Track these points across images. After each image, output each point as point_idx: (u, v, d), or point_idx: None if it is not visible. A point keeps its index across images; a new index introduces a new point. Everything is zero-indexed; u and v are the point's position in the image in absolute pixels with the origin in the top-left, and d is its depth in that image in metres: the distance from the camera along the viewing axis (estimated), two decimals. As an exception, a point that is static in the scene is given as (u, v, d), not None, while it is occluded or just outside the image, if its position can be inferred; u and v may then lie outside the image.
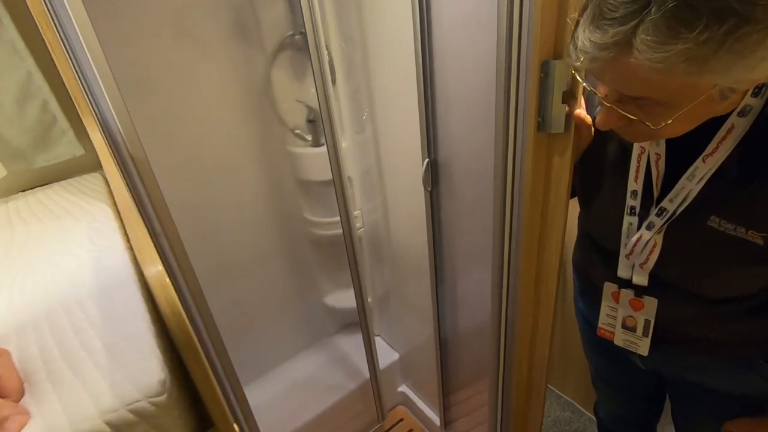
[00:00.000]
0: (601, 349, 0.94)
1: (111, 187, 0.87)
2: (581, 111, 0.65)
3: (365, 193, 1.39)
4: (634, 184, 0.65)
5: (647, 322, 0.72)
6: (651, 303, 0.70)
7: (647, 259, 0.66)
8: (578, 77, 0.58)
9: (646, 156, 0.63)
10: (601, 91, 0.55)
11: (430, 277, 1.20)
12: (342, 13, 1.14)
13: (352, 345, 1.69)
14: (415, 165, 1.03)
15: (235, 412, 0.88)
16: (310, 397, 1.52)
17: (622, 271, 0.71)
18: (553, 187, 0.72)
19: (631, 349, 0.77)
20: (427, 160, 0.96)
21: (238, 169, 1.31)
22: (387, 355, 1.63)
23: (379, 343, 1.69)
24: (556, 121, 0.65)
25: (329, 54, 1.20)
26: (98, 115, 0.70)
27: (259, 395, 1.54)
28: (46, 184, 0.97)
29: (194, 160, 1.23)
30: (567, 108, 0.64)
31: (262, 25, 1.19)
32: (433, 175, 0.99)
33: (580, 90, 0.64)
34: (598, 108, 0.58)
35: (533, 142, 0.69)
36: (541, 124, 0.67)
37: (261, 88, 1.26)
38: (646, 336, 0.73)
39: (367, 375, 1.55)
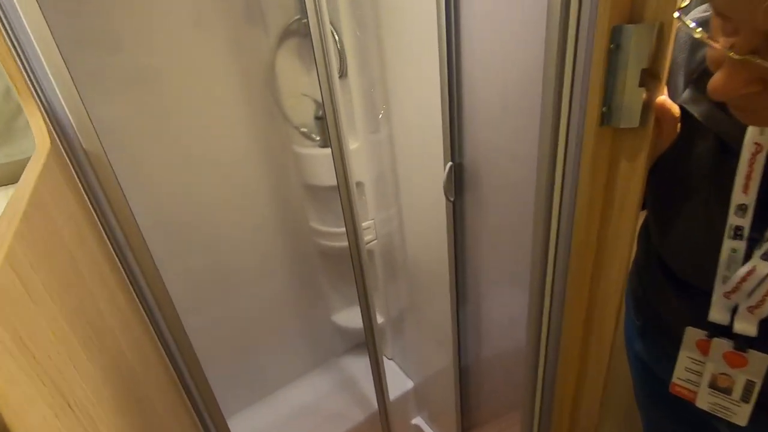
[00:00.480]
0: (667, 408, 0.75)
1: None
2: (665, 98, 0.47)
3: (379, 200, 1.23)
4: (743, 196, 0.47)
5: (750, 384, 0.53)
6: (759, 360, 0.51)
7: (763, 300, 0.47)
8: (687, 27, 0.40)
9: (763, 157, 0.45)
10: (724, 41, 0.38)
11: (450, 298, 1.03)
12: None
13: (361, 369, 1.53)
14: (436, 170, 0.86)
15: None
16: (313, 426, 1.36)
17: (717, 315, 0.52)
18: (617, 199, 0.54)
19: (719, 416, 0.58)
20: (450, 163, 0.79)
21: (238, 170, 1.17)
22: (400, 383, 1.46)
23: (392, 368, 1.52)
24: (629, 111, 0.48)
25: (339, 42, 1.05)
26: (39, 98, 0.57)
27: (257, 420, 1.39)
28: (10, 184, 0.85)
29: (188, 159, 1.10)
30: (646, 93, 0.47)
31: (265, 7, 1.06)
32: (457, 183, 0.82)
33: (666, 67, 0.46)
34: (686, 93, 0.40)
35: (594, 139, 0.51)
36: (607, 115, 0.49)
37: (263, 79, 1.12)
38: (747, 402, 0.54)
39: (376, 405, 1.38)
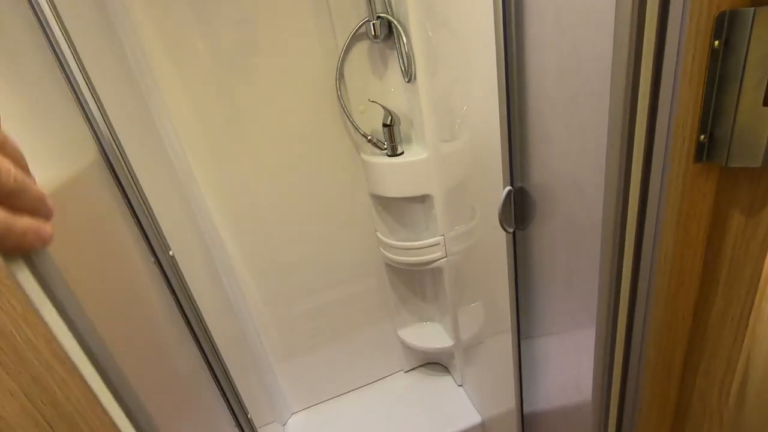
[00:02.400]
0: None
1: None
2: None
3: (450, 216, 1.12)
4: None
5: None
6: None
7: None
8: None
9: None
10: None
11: (512, 336, 0.87)
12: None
13: (423, 387, 1.43)
14: (497, 194, 0.72)
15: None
16: (370, 444, 1.31)
17: None
18: (724, 271, 0.37)
19: None
20: (508, 188, 0.65)
21: (303, 177, 1.16)
22: (468, 415, 1.32)
23: (461, 396, 1.39)
24: (747, 143, 0.31)
25: (407, 44, 0.96)
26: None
27: (313, 423, 1.39)
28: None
29: (252, 165, 1.12)
30: (775, 115, 0.29)
31: (332, 9, 1.01)
32: (520, 211, 0.67)
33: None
34: None
35: (684, 181, 0.35)
36: (709, 147, 0.33)
37: (330, 84, 1.08)
38: None
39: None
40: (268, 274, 1.24)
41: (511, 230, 0.68)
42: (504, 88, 0.61)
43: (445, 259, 1.20)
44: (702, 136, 0.32)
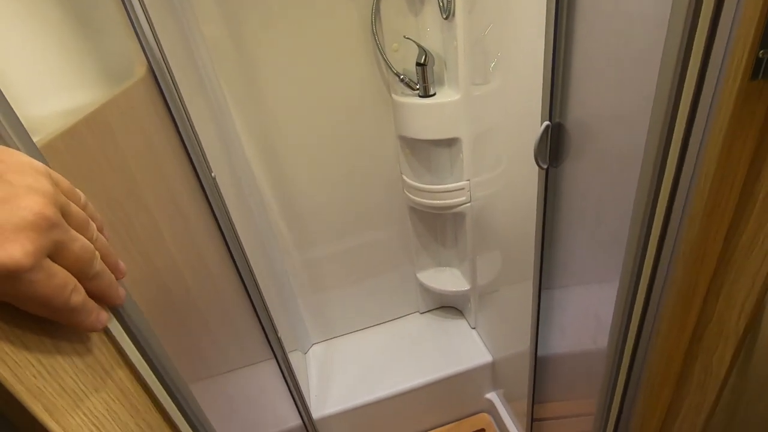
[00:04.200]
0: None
1: None
2: None
3: (476, 161, 1.13)
4: None
5: None
6: None
7: None
8: None
9: None
10: None
11: (534, 280, 0.91)
12: None
13: (439, 329, 1.50)
14: (533, 131, 0.73)
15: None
16: (380, 375, 1.39)
17: None
18: (762, 191, 0.38)
19: None
20: (546, 123, 0.66)
21: (332, 115, 1.17)
22: (479, 354, 1.39)
23: (473, 337, 1.46)
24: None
25: (449, -25, 0.93)
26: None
27: (330, 354, 1.48)
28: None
29: (282, 101, 1.13)
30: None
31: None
32: (555, 147, 0.68)
33: None
34: None
35: (737, 98, 0.36)
36: (767, 64, 0.33)
37: (365, 20, 1.06)
38: None
39: (448, 370, 1.35)
40: (295, 210, 1.28)
41: (545, 166, 0.69)
42: (552, 23, 0.60)
43: (469, 204, 1.22)
44: (761, 52, 0.33)
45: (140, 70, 0.63)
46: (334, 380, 1.39)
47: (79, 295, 0.27)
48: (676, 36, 0.38)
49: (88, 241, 0.28)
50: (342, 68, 1.12)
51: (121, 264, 0.33)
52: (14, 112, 0.30)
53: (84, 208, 0.30)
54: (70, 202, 0.28)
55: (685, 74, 0.38)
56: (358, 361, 1.45)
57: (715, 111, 0.37)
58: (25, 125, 0.31)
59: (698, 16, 0.36)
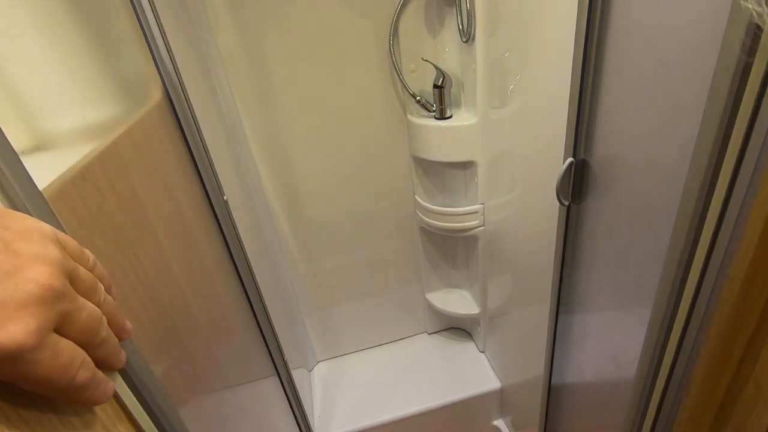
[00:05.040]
0: None
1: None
2: None
3: (491, 184, 1.10)
4: None
5: None
6: None
7: None
8: None
9: None
10: None
11: (550, 309, 0.88)
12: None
13: (446, 351, 1.47)
14: (554, 164, 0.70)
15: None
16: (385, 396, 1.37)
17: None
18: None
19: None
20: (570, 160, 0.64)
21: (346, 132, 1.16)
22: (487, 379, 1.36)
23: (482, 362, 1.43)
24: None
25: (470, 0, 0.92)
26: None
27: (335, 373, 1.46)
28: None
29: (297, 115, 1.12)
30: None
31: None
32: (578, 184, 0.66)
33: None
34: None
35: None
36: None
37: (382, 40, 1.05)
38: None
39: (455, 396, 1.32)
40: (305, 226, 1.27)
41: (567, 203, 0.67)
42: (582, 50, 0.58)
43: (482, 228, 1.19)
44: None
45: (156, 94, 0.62)
46: (338, 400, 1.37)
47: (86, 371, 0.25)
48: (723, 88, 0.36)
49: (95, 308, 0.27)
50: (358, 86, 1.10)
51: (128, 324, 0.31)
52: (21, 162, 0.29)
53: (92, 269, 0.28)
54: (78, 266, 0.27)
55: (732, 128, 0.36)
56: (363, 381, 1.42)
57: (760, 175, 0.34)
58: (32, 171, 0.29)
59: (749, 72, 0.34)
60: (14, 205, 0.28)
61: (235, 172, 1.03)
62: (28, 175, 0.30)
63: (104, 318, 0.28)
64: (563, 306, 0.86)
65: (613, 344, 0.71)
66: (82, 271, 0.27)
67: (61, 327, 0.24)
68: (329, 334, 1.48)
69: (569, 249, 0.76)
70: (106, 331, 0.28)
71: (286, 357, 1.01)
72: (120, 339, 0.31)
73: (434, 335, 1.55)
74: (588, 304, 0.77)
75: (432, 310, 1.47)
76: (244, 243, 0.87)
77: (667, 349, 0.52)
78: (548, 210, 0.77)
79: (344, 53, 1.06)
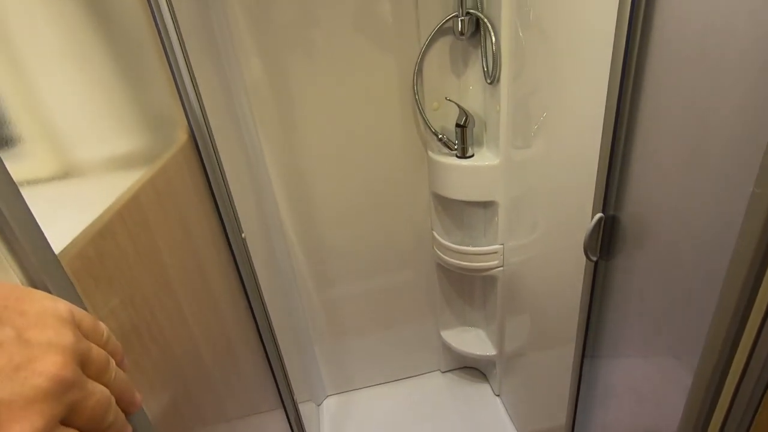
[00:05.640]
0: None
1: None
2: None
3: (512, 225, 1.08)
4: None
5: None
6: None
7: None
8: None
9: None
10: None
11: (575, 350, 0.83)
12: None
13: (460, 393, 1.42)
14: (581, 217, 0.68)
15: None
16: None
17: None
18: None
19: None
20: (600, 215, 0.61)
21: (366, 164, 1.15)
22: (501, 427, 1.30)
23: (497, 406, 1.37)
24: None
25: (497, 44, 0.92)
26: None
27: (346, 407, 1.41)
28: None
29: (319, 147, 1.12)
30: None
31: (420, 1, 0.98)
32: (607, 240, 0.63)
33: None
34: None
35: None
36: None
37: (406, 77, 1.06)
38: None
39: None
40: (321, 257, 1.25)
41: (595, 259, 0.64)
42: (615, 99, 0.56)
43: (501, 268, 1.16)
44: None
45: (181, 135, 0.62)
46: (346, 439, 1.32)
47: None
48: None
49: (104, 391, 0.25)
50: (380, 121, 1.10)
51: (137, 398, 0.30)
52: (40, 228, 0.28)
53: (105, 344, 0.27)
54: (92, 346, 0.25)
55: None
56: (373, 420, 1.37)
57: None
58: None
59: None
60: (30, 277, 0.27)
61: (255, 204, 1.02)
62: (46, 241, 0.29)
63: (113, 399, 0.26)
64: (589, 350, 0.81)
65: (647, 399, 0.67)
66: (95, 352, 0.26)
67: (69, 417, 0.23)
68: (340, 367, 1.45)
69: (596, 299, 0.73)
70: (114, 414, 0.26)
71: (294, 390, 0.98)
72: (128, 414, 0.29)
73: (448, 374, 1.50)
74: (618, 349, 0.73)
75: (446, 347, 1.43)
76: (258, 276, 0.85)
77: (715, 415, 0.48)
78: (573, 258, 0.74)
79: (368, 88, 1.06)
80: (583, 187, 0.66)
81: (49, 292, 0.27)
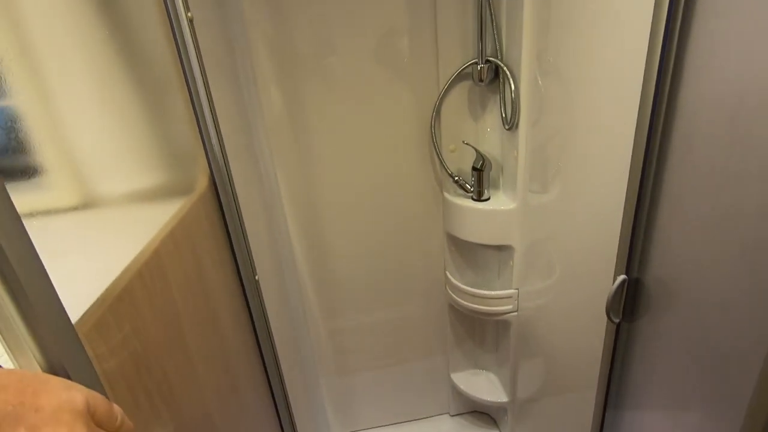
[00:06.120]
0: None
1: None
2: None
3: (528, 270, 1.06)
4: None
5: None
6: None
7: None
8: None
9: None
10: None
11: (596, 399, 0.79)
12: (545, 39, 0.84)
13: (472, 441, 1.37)
14: (602, 277, 0.66)
15: None
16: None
17: None
18: None
19: None
20: (623, 277, 0.59)
21: (382, 201, 1.15)
22: (512, 477, 1.25)
23: (507, 454, 1.31)
24: None
25: (516, 91, 0.92)
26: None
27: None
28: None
29: (335, 183, 1.12)
30: None
31: (440, 47, 0.99)
32: (630, 303, 0.61)
33: None
34: None
35: None
36: None
37: (424, 119, 1.06)
38: None
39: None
40: (331, 291, 1.24)
41: (618, 321, 0.62)
42: (641, 156, 0.56)
43: (516, 313, 1.14)
44: None
45: (202, 182, 0.62)
46: (350, 484, 1.27)
47: None
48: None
49: None
50: (396, 159, 1.11)
51: None
52: (59, 300, 0.28)
53: (119, 428, 0.27)
54: None
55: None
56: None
57: None
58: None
59: None
60: (49, 360, 0.27)
61: (268, 242, 1.02)
62: (65, 313, 0.29)
63: None
64: (612, 401, 0.78)
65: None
66: None
67: None
68: (346, 406, 1.41)
69: (618, 357, 0.70)
70: None
71: (299, 430, 0.95)
72: None
73: (457, 418, 1.45)
74: (644, 403, 0.69)
75: (456, 390, 1.39)
76: (268, 312, 0.84)
77: None
78: (593, 314, 0.71)
79: (386, 127, 1.07)
80: (605, 242, 0.65)
81: (67, 376, 0.27)
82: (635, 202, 0.58)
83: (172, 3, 0.57)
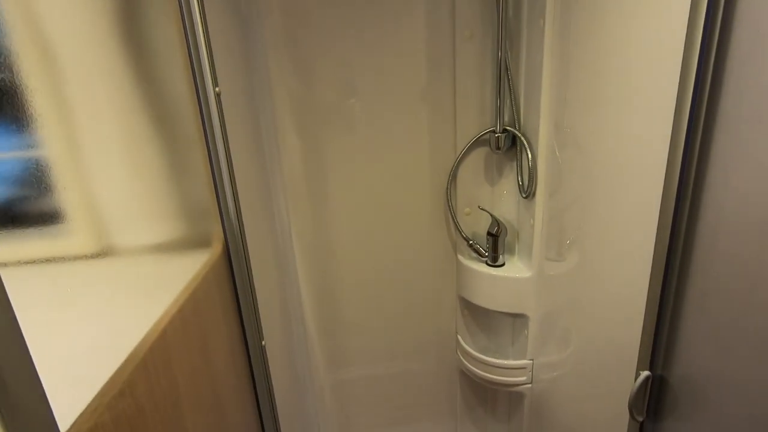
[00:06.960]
0: None
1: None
2: None
3: (544, 340, 1.02)
4: None
5: None
6: None
7: None
8: None
9: None
10: None
11: None
12: (563, 111, 0.84)
13: None
14: (623, 371, 0.63)
15: None
16: None
17: None
18: None
19: None
20: (646, 374, 0.56)
21: (395, 261, 1.14)
22: None
23: None
24: None
25: (533, 161, 0.92)
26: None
27: None
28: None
29: (348, 243, 1.12)
30: None
31: (459, 115, 1.01)
32: (654, 401, 0.57)
33: None
34: None
35: None
36: None
37: (440, 183, 1.07)
38: None
39: None
40: (340, 344, 1.21)
41: (641, 419, 0.58)
42: (665, 247, 0.54)
43: (530, 385, 1.08)
44: None
45: (216, 247, 0.62)
46: None
47: None
48: None
49: None
50: (411, 219, 1.11)
51: None
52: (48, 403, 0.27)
53: None
54: None
55: None
56: None
57: None
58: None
59: None
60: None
61: (279, 303, 1.01)
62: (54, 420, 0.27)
63: None
64: None
65: None
66: None
67: None
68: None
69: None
70: None
71: None
72: None
73: (464, 492, 1.36)
74: None
75: (464, 462, 1.31)
76: (273, 376, 0.82)
77: None
78: (614, 405, 0.67)
79: (403, 187, 1.08)
80: (626, 334, 0.62)
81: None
82: (659, 291, 0.56)
83: (201, 79, 0.59)
